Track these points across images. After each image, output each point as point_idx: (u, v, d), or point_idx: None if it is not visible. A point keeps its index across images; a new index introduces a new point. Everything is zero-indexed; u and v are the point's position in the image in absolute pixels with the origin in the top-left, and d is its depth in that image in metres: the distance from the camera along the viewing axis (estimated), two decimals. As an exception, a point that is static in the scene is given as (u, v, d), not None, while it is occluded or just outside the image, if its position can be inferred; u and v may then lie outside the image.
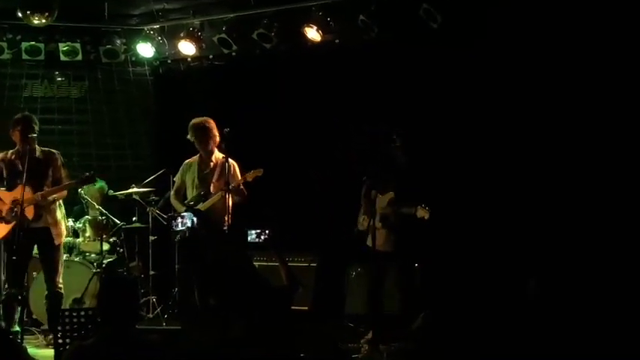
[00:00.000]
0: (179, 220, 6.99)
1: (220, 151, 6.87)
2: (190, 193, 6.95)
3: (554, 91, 6.92)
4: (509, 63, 7.07)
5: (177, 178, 7.09)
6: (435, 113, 7.45)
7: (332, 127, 7.98)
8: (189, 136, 6.90)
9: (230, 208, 6.65)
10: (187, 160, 7.06)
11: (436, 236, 7.09)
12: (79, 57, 8.53)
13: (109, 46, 8.55)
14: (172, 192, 7.11)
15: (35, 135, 6.31)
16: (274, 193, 7.79)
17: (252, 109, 8.32)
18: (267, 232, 7.07)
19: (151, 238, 7.78)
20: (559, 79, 6.89)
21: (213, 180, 6.85)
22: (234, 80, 8.65)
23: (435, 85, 7.47)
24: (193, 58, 8.61)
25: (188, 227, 6.88)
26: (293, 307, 7.20)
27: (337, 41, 7.86)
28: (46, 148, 6.52)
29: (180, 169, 7.07)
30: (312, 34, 7.71)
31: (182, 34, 8.30)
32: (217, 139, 6.86)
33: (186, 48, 8.37)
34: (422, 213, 6.05)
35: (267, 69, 8.36)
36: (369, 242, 6.42)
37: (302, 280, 7.38)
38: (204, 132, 6.84)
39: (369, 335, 6.38)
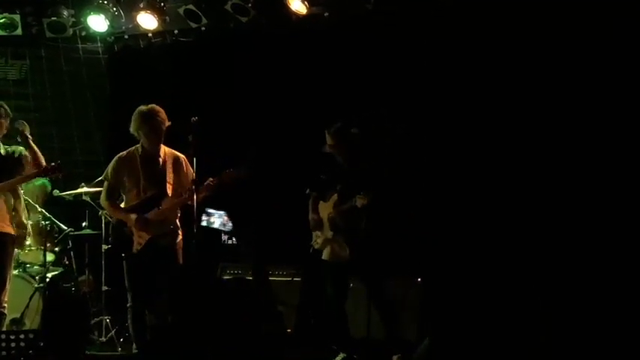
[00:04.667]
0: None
1: (188, 143, 6.72)
2: (134, 197, 6.59)
3: (555, 81, 7.01)
4: (516, 48, 7.12)
5: (108, 177, 6.63)
6: (438, 104, 7.48)
7: (318, 115, 7.97)
8: (133, 128, 6.51)
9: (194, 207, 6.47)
10: (122, 154, 6.67)
11: (431, 246, 7.17)
12: (19, 31, 8.47)
13: (55, 19, 8.48)
14: (104, 194, 6.66)
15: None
16: (250, 194, 7.77)
17: (224, 93, 8.30)
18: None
19: (104, 247, 7.70)
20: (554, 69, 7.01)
21: (169, 180, 6.63)
22: (204, 60, 8.63)
23: (438, 70, 7.48)
24: (155, 33, 8.56)
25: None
26: (271, 331, 7.25)
27: (326, 14, 7.86)
28: (15, 147, 6.59)
29: (114, 164, 6.65)
30: (297, 5, 7.72)
31: (142, 5, 8.26)
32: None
33: (147, 21, 8.32)
34: (360, 201, 6.28)
35: (243, 47, 8.35)
36: (325, 256, 6.61)
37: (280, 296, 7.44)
38: (156, 121, 6.46)
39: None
